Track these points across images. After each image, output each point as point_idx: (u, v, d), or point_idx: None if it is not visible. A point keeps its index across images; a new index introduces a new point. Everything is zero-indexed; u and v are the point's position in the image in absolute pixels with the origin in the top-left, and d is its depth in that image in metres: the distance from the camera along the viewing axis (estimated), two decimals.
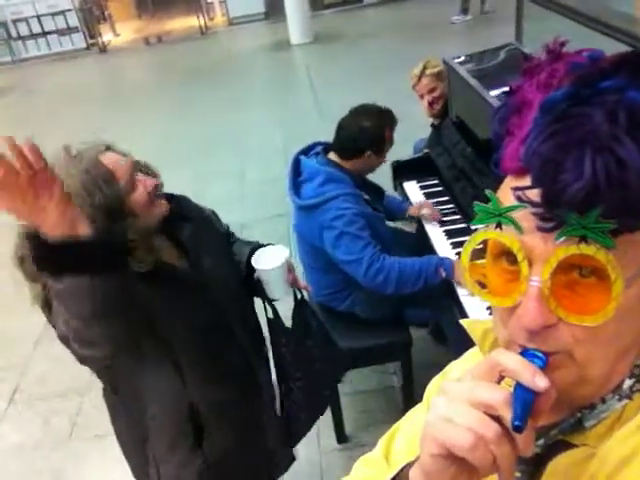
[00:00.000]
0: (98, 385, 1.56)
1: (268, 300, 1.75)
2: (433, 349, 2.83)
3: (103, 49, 10.91)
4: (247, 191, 4.93)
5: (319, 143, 2.47)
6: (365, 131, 2.34)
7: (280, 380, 1.84)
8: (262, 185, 4.93)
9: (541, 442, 0.63)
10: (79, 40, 10.97)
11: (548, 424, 0.63)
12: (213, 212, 1.77)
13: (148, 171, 1.49)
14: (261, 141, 5.83)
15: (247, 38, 8.73)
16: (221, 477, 1.61)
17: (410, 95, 3.21)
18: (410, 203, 2.73)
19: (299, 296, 1.83)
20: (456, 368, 0.84)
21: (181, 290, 1.46)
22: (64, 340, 1.25)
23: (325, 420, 2.57)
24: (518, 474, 0.64)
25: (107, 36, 11.47)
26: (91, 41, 11.06)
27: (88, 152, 1.33)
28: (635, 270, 0.53)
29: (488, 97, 2.29)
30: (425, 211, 2.60)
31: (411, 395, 2.50)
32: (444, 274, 2.17)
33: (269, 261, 1.64)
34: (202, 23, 11.08)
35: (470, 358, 0.83)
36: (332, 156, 2.39)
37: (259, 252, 1.68)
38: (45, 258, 1.10)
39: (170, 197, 1.54)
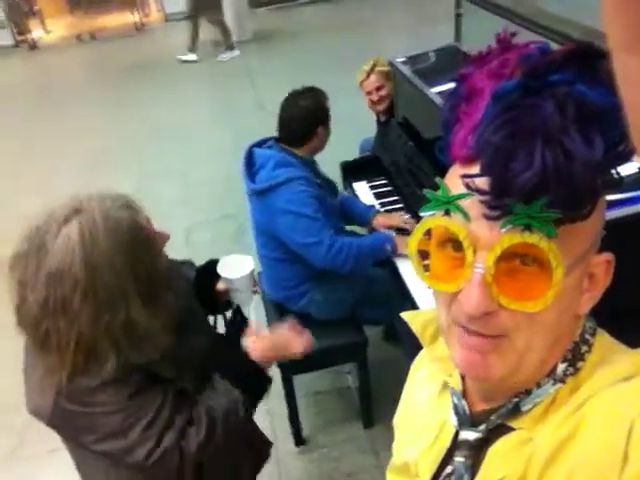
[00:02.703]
0: None
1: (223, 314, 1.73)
2: (386, 347, 2.85)
3: (33, 46, 10.47)
4: (192, 192, 4.78)
5: (270, 138, 2.45)
6: (308, 109, 2.34)
7: None
8: (207, 185, 4.82)
9: (482, 427, 0.65)
10: (7, 36, 10.44)
11: (489, 409, 0.65)
12: None
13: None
14: (204, 140, 5.72)
15: (184, 35, 8.52)
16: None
17: (352, 94, 3.22)
18: (376, 210, 2.62)
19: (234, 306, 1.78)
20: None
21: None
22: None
23: (282, 424, 2.56)
24: (462, 459, 0.66)
25: (37, 32, 11.01)
26: (20, 38, 10.58)
27: (119, 214, 1.13)
28: (573, 259, 0.55)
29: (430, 94, 2.34)
30: (395, 223, 2.49)
31: (368, 394, 2.52)
32: (390, 249, 2.28)
33: (238, 269, 1.61)
34: (137, 19, 10.81)
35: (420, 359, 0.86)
36: (284, 145, 2.38)
37: (223, 261, 1.64)
38: None
39: None
